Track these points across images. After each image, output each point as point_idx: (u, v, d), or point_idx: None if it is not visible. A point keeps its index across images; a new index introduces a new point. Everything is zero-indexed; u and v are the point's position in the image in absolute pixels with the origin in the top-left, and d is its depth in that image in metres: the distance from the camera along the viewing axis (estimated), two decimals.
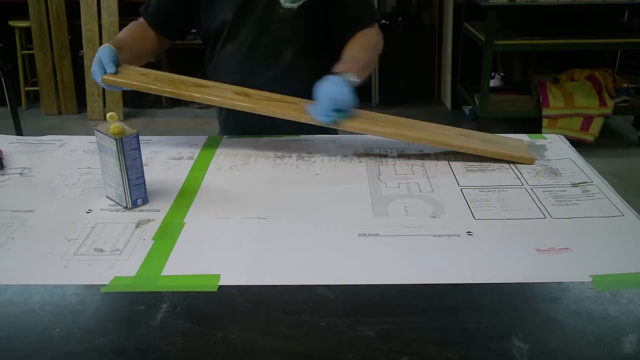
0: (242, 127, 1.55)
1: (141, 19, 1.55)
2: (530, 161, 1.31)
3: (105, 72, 1.33)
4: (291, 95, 1.40)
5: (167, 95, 1.37)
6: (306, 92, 1.34)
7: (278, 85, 1.45)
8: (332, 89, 1.27)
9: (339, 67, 1.35)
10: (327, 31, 1.49)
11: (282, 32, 1.46)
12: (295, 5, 1.43)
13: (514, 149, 1.35)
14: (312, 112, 1.28)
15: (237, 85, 1.42)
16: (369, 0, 1.56)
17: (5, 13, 4.21)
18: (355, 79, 1.31)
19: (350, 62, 1.38)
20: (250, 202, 1.16)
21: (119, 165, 1.09)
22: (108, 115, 1.11)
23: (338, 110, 1.25)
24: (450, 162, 1.33)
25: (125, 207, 1.13)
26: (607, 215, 1.09)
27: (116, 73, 1.34)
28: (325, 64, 1.40)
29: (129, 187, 1.11)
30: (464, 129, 1.45)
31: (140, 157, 1.12)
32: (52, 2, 4.13)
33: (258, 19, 1.46)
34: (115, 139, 1.07)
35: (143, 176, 1.13)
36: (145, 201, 1.15)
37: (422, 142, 1.35)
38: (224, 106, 1.40)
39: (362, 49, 1.45)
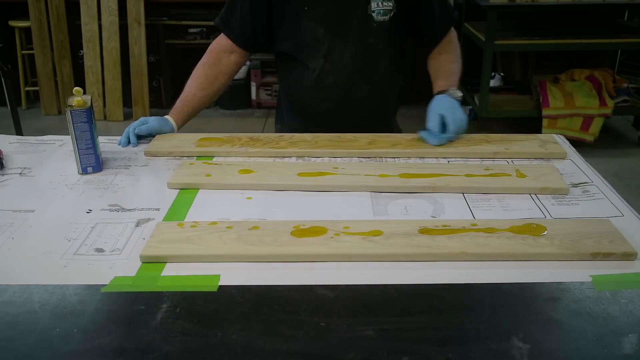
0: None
1: (217, 44, 1.56)
2: (564, 191, 1.18)
3: (129, 142, 1.44)
4: (385, 104, 1.53)
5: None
6: (395, 100, 1.54)
7: (376, 96, 1.55)
8: (451, 111, 1.35)
9: (441, 83, 1.44)
10: (414, 38, 1.55)
11: (377, 44, 1.49)
12: (387, 18, 1.46)
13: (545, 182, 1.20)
14: (431, 138, 1.37)
15: (332, 100, 1.53)
16: (447, 1, 1.57)
17: (5, 13, 4.21)
18: (460, 95, 1.39)
19: (450, 76, 1.48)
20: (251, 202, 1.16)
21: (72, 134, 1.25)
22: (74, 89, 1.23)
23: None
24: (450, 162, 1.33)
25: (77, 173, 1.29)
26: (607, 215, 1.09)
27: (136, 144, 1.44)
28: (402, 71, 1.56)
29: (79, 155, 1.27)
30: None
31: (91, 130, 1.26)
32: (52, 2, 4.13)
33: (353, 35, 1.47)
34: (68, 111, 1.23)
35: (94, 147, 1.28)
36: (97, 169, 1.30)
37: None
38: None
39: (452, 60, 1.54)
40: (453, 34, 1.58)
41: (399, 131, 1.71)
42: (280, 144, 1.40)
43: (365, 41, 1.48)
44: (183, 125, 1.54)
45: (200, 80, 1.54)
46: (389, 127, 1.68)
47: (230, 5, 1.52)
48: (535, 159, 1.35)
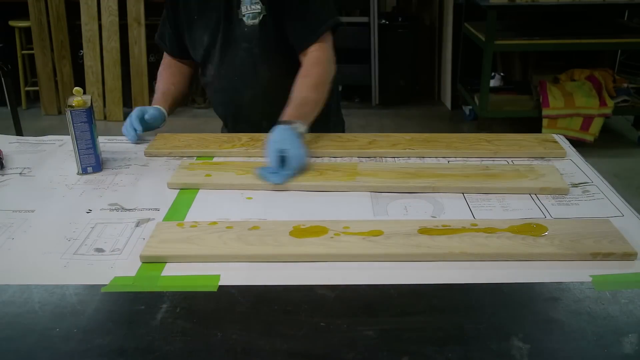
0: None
1: (165, 57, 1.65)
2: (564, 191, 1.18)
3: (136, 130, 1.43)
4: (275, 110, 1.36)
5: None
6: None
7: (261, 103, 1.52)
8: (291, 145, 1.21)
9: (289, 112, 1.30)
10: (290, 36, 1.45)
11: (253, 49, 1.47)
12: (257, 21, 1.43)
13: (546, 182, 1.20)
14: (264, 175, 1.21)
15: (226, 104, 1.56)
16: (325, 4, 1.45)
17: (5, 13, 4.21)
18: (305, 129, 1.28)
19: (301, 106, 1.33)
20: (250, 202, 1.16)
21: (72, 134, 1.25)
22: (74, 89, 1.23)
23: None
24: (450, 161, 1.33)
25: (77, 173, 1.29)
26: (607, 215, 1.09)
27: (144, 132, 1.46)
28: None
29: (79, 155, 1.27)
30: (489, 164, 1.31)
31: (91, 130, 1.26)
32: (52, 2, 4.13)
33: (228, 40, 1.47)
34: (68, 111, 1.23)
35: (94, 147, 1.28)
36: (97, 169, 1.30)
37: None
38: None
39: (311, 87, 1.38)
40: (324, 52, 1.43)
41: (337, 129, 1.67)
42: None
43: (242, 46, 1.47)
44: (168, 116, 1.54)
45: (167, 76, 1.61)
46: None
47: (162, 20, 1.60)
48: (535, 158, 1.35)
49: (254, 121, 1.56)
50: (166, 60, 1.65)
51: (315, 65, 1.42)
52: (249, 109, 1.56)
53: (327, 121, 1.59)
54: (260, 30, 1.44)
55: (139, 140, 1.45)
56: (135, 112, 1.46)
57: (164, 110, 1.51)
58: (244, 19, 1.43)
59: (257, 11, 1.42)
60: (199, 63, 1.58)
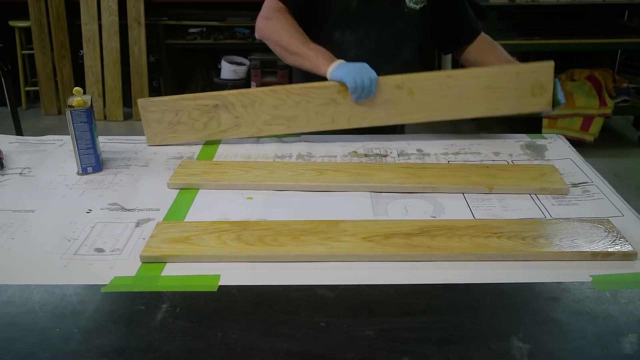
0: None
1: (275, 9, 1.46)
2: (564, 191, 1.18)
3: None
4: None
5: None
6: None
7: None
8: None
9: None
10: (440, 34, 1.56)
11: (404, 30, 1.51)
12: (418, 6, 1.48)
13: (545, 182, 1.20)
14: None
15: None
16: (472, 11, 1.59)
17: (5, 13, 4.21)
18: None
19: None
20: (251, 202, 1.16)
21: (72, 134, 1.25)
22: (74, 89, 1.23)
23: None
24: (450, 162, 1.33)
25: (77, 172, 1.29)
26: (607, 215, 1.09)
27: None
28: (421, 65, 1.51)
29: (79, 155, 1.27)
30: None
31: (91, 130, 1.26)
32: (52, 2, 4.13)
33: (383, 16, 1.49)
34: (68, 111, 1.23)
35: (94, 147, 1.28)
36: (97, 169, 1.30)
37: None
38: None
39: (507, 58, 1.51)
40: (490, 39, 1.59)
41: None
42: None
43: (393, 24, 1.50)
44: None
45: (299, 31, 1.45)
46: None
47: None
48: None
49: None
50: (280, 14, 1.45)
51: (494, 46, 1.56)
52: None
53: None
54: (418, 15, 1.49)
55: None
56: (367, 71, 1.35)
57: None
58: (407, 1, 1.47)
59: None
60: (319, 21, 1.49)
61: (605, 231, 1.01)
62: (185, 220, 1.09)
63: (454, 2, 1.53)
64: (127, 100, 4.28)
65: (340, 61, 1.36)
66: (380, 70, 1.47)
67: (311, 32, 1.49)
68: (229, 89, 4.34)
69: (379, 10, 1.48)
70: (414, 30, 1.53)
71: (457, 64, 1.61)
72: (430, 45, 1.65)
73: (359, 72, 1.32)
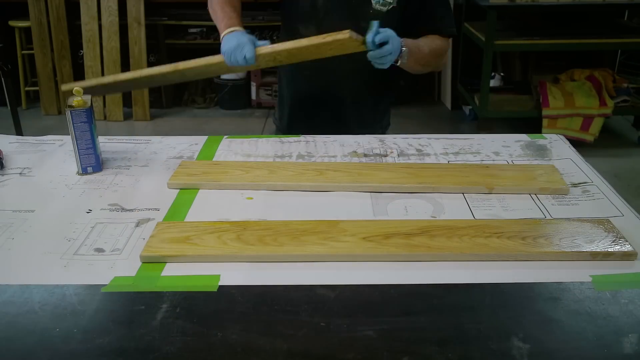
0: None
1: None
2: (564, 191, 1.18)
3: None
4: (365, 90, 1.54)
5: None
6: (379, 90, 1.56)
7: (355, 79, 1.56)
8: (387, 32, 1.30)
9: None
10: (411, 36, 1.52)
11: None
12: (384, 9, 1.48)
13: (545, 182, 1.19)
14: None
15: (310, 71, 1.53)
16: (451, 15, 1.56)
17: (5, 13, 4.21)
18: (406, 51, 1.35)
19: (416, 43, 1.42)
20: (251, 202, 1.16)
21: (72, 134, 1.25)
22: (74, 89, 1.23)
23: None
24: (450, 162, 1.33)
25: (77, 173, 1.29)
26: (607, 215, 1.09)
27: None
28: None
29: (79, 155, 1.27)
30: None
31: (91, 130, 1.26)
32: (52, 2, 4.13)
33: (348, 14, 1.48)
34: (68, 111, 1.23)
35: (94, 147, 1.28)
36: (97, 169, 1.30)
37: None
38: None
39: (433, 50, 1.48)
40: (445, 40, 1.54)
41: (388, 126, 1.72)
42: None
43: (357, 24, 1.45)
44: None
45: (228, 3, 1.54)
46: (378, 118, 1.69)
47: None
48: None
49: (340, 97, 1.59)
50: None
51: (440, 41, 1.52)
52: (343, 80, 1.57)
53: (380, 118, 1.70)
54: (383, 17, 1.46)
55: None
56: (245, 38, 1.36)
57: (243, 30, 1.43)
58: (374, 2, 1.47)
59: (389, 1, 1.48)
60: (289, 20, 1.55)
61: (605, 231, 1.01)
62: (185, 220, 1.09)
63: (427, 7, 1.50)
64: (127, 101, 4.28)
65: (232, 29, 1.39)
66: (340, 69, 1.52)
67: (282, 25, 1.61)
68: (229, 88, 4.36)
69: (344, 9, 1.49)
70: None
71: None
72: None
73: (233, 52, 1.33)
